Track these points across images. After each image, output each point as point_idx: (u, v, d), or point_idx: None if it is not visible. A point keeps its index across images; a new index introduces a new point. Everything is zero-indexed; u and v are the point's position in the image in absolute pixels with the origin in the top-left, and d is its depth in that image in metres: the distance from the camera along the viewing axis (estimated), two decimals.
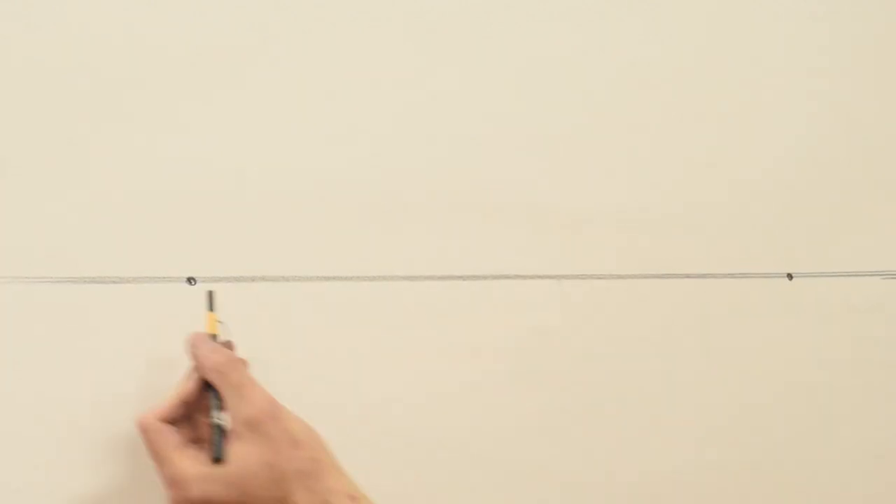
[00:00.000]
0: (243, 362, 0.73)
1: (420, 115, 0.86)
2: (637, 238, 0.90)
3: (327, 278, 0.82)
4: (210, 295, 0.76)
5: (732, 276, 0.93)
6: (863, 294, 0.96)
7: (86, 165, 0.78)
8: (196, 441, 0.71)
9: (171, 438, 0.69)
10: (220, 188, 0.81)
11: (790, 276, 0.94)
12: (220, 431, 0.70)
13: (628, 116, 0.91)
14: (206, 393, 0.72)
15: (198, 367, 0.72)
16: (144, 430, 0.69)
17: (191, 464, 0.68)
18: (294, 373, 0.80)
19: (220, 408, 0.71)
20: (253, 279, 0.80)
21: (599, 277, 0.89)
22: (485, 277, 0.86)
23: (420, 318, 0.84)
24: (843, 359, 0.95)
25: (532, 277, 0.87)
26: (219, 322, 0.75)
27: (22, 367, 0.75)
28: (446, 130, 0.87)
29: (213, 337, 0.75)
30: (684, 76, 0.93)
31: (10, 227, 0.76)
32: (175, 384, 0.73)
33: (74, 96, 0.78)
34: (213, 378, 0.71)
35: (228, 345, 0.75)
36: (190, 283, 0.78)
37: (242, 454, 0.68)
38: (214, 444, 0.69)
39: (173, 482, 0.68)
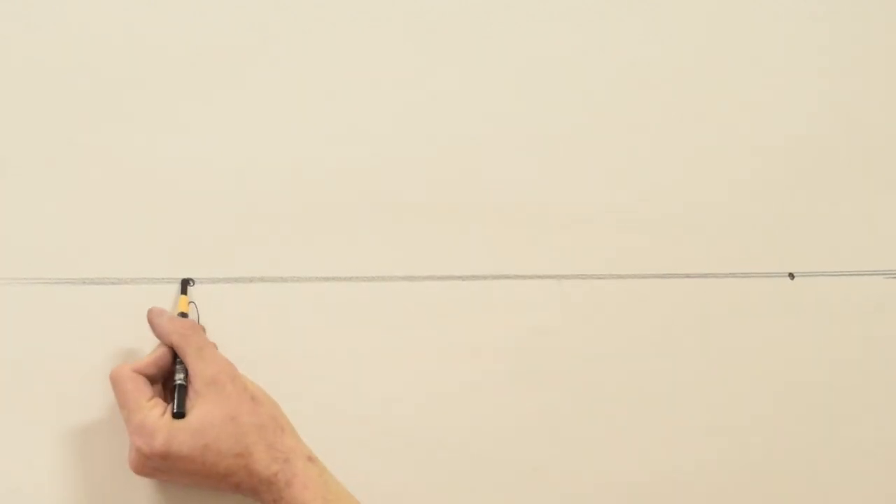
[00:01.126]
0: (203, 328, 0.76)
1: (420, 115, 0.86)
2: (637, 238, 0.90)
3: (326, 278, 0.82)
4: (184, 282, 0.78)
5: (733, 275, 0.92)
6: (865, 293, 0.96)
7: (86, 165, 0.78)
8: (166, 402, 0.73)
9: (143, 388, 0.72)
10: (220, 188, 0.81)
11: (791, 276, 0.94)
12: (182, 390, 0.72)
13: (628, 116, 0.91)
14: (174, 360, 0.75)
15: (160, 334, 0.75)
16: (118, 378, 0.72)
17: (158, 415, 0.70)
18: (294, 373, 0.81)
19: (184, 371, 0.73)
20: (252, 280, 0.80)
21: (599, 277, 0.89)
22: (485, 277, 0.86)
23: (420, 318, 0.84)
24: (845, 358, 0.95)
25: (532, 277, 0.87)
26: (190, 302, 0.78)
27: (21, 368, 0.75)
28: (446, 130, 0.87)
29: (184, 316, 0.77)
30: (684, 76, 0.93)
31: (9, 227, 0.76)
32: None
33: (74, 96, 0.78)
34: (175, 340, 0.74)
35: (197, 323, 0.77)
36: (189, 283, 0.79)
37: (205, 410, 0.71)
38: (175, 401, 0.72)
39: (140, 430, 0.70)
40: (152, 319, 0.75)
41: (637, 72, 0.92)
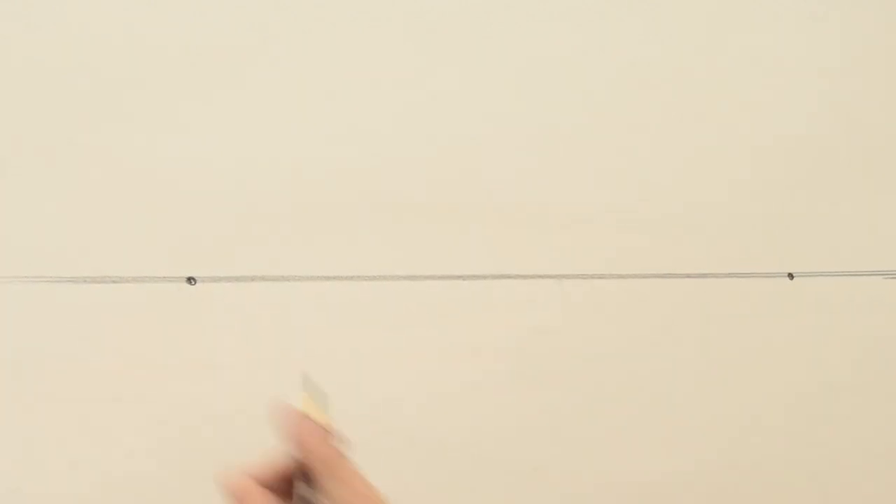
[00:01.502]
0: (342, 443, 0.65)
1: (420, 115, 0.86)
2: (637, 238, 0.90)
3: (327, 278, 0.82)
4: (305, 379, 0.67)
5: (733, 275, 0.93)
6: (864, 293, 0.96)
7: (86, 165, 0.78)
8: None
9: None
10: (220, 188, 0.81)
11: (791, 276, 0.94)
12: None
13: (628, 116, 0.91)
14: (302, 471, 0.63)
15: (295, 446, 0.63)
16: (243, 494, 0.60)
17: None
18: (294, 373, 0.80)
19: (310, 484, 0.63)
20: (253, 279, 0.80)
21: (600, 277, 0.89)
22: (485, 277, 0.86)
23: (420, 318, 0.84)
24: (844, 358, 0.95)
25: (533, 277, 0.87)
26: (317, 403, 0.67)
27: (22, 367, 0.75)
28: (446, 130, 0.87)
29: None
30: (684, 76, 0.93)
31: (10, 227, 0.76)
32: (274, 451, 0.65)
33: (74, 96, 0.78)
34: (307, 457, 0.62)
35: (328, 427, 0.64)
36: (190, 282, 0.79)
37: None
38: None
39: None
40: (292, 431, 0.63)
41: (637, 72, 0.92)
